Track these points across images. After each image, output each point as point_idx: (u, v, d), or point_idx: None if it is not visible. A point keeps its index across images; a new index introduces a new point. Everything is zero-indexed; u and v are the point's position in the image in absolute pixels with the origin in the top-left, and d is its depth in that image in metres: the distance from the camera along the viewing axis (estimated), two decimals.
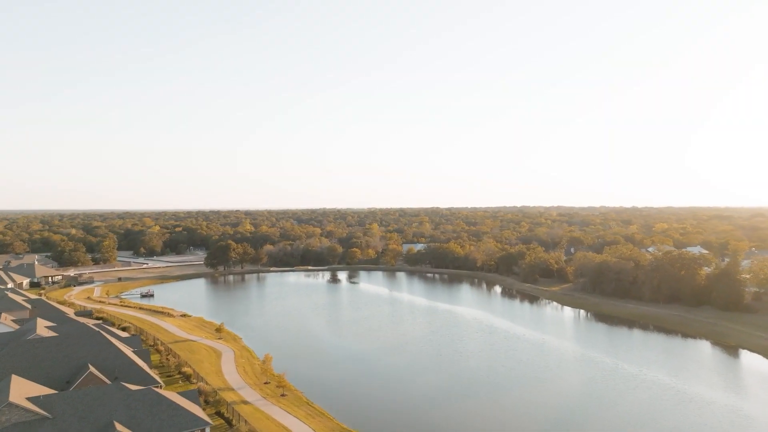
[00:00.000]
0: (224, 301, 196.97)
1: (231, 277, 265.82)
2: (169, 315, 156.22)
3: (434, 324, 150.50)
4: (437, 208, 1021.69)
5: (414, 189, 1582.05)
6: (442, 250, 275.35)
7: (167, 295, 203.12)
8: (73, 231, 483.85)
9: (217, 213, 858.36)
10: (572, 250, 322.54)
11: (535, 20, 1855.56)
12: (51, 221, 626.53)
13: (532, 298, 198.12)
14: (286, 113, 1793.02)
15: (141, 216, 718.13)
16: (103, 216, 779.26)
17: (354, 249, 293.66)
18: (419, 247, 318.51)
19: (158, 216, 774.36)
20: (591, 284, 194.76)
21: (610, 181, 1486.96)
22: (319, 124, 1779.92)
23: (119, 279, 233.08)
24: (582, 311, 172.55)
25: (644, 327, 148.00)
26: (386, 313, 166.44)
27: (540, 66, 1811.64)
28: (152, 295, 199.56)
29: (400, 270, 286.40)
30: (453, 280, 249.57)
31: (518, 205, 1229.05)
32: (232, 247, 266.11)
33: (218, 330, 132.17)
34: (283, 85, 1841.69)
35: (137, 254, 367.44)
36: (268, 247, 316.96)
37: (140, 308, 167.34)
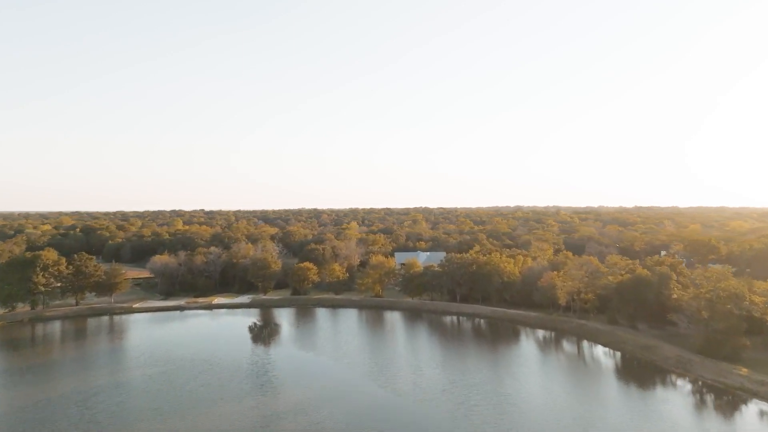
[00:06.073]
0: None
1: (57, 325, 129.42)
2: None
3: None
4: (427, 207, 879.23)
5: (407, 189, 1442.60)
6: (479, 267, 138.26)
7: None
8: None
9: (180, 213, 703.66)
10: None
11: (536, 21, 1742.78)
12: None
13: None
14: (288, 113, 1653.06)
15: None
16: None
17: (306, 264, 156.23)
18: (425, 258, 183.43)
19: (114, 216, 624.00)
20: None
21: (606, 181, 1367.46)
22: (319, 124, 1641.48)
23: None
24: None
25: None
26: None
27: (538, 66, 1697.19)
28: None
29: (392, 307, 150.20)
30: (501, 337, 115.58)
31: (511, 205, 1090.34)
32: (41, 263, 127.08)
33: None
34: (284, 85, 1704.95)
35: None
36: (160, 259, 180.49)
37: None
